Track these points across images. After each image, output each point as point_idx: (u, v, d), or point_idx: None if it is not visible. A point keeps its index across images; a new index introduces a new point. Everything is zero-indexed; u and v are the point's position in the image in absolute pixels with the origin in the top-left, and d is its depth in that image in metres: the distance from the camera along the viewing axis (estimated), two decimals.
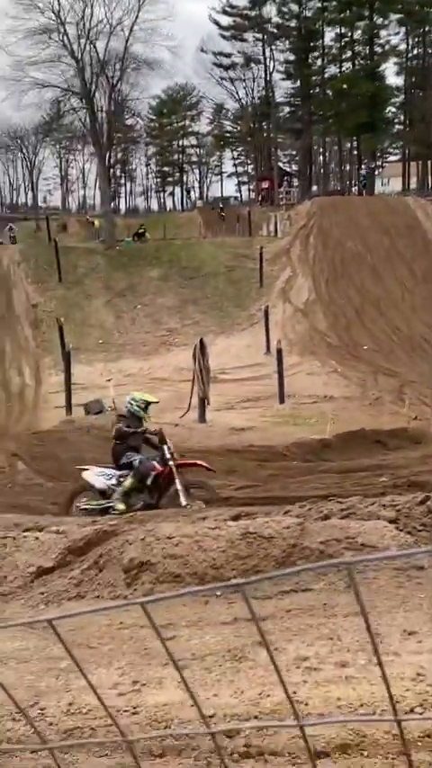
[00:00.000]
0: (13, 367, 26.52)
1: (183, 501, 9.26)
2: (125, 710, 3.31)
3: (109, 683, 3.59)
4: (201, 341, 19.36)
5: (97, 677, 3.73)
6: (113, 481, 9.78)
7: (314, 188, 60.29)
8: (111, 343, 29.11)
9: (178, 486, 9.39)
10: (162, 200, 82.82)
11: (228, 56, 63.65)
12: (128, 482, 9.65)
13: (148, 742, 2.93)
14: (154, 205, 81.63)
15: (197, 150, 78.08)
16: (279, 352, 20.75)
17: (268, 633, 3.31)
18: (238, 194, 75.20)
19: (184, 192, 77.59)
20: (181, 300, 32.07)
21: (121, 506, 9.44)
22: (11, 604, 5.35)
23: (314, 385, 22.14)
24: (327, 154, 70.54)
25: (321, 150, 69.93)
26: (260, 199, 57.45)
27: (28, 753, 2.93)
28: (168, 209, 77.18)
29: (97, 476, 9.91)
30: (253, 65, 62.73)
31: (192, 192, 76.36)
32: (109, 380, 21.61)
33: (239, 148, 75.14)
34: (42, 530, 6.75)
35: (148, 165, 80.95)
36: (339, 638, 3.74)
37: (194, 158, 79.43)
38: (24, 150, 70.48)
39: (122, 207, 78.79)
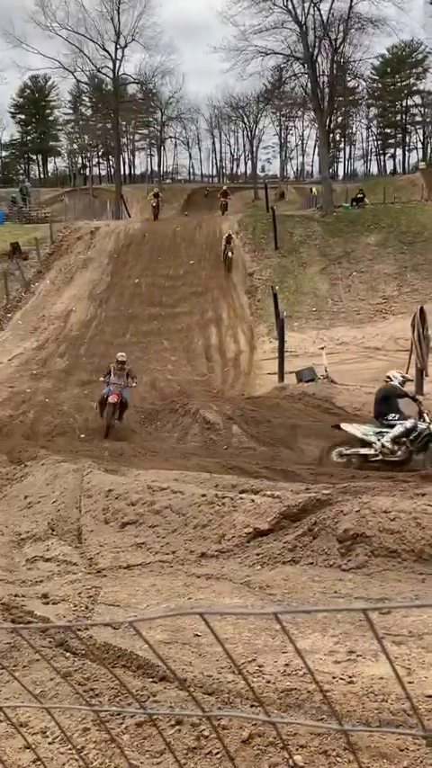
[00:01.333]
0: (230, 334, 27.35)
1: None
2: (341, 678, 3.34)
3: (325, 650, 3.64)
4: (420, 309, 18.55)
5: (312, 641, 3.79)
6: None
7: None
8: (324, 310, 28.94)
9: None
10: (382, 164, 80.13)
11: None
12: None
13: (365, 713, 2.94)
14: (374, 169, 79.27)
15: (421, 110, 74.25)
16: None
17: None
18: None
19: (406, 154, 74.36)
20: (399, 267, 30.95)
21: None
22: (229, 561, 5.59)
23: None
24: None
25: None
26: None
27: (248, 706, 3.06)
28: (389, 172, 74.54)
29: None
30: None
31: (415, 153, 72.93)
32: (322, 348, 21.53)
33: None
34: (258, 492, 6.97)
35: (368, 127, 78.60)
36: None
37: (418, 118, 75.66)
38: (245, 120, 71.54)
39: (341, 172, 77.45)
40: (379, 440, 11.46)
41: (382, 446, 11.40)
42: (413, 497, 5.51)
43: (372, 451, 11.58)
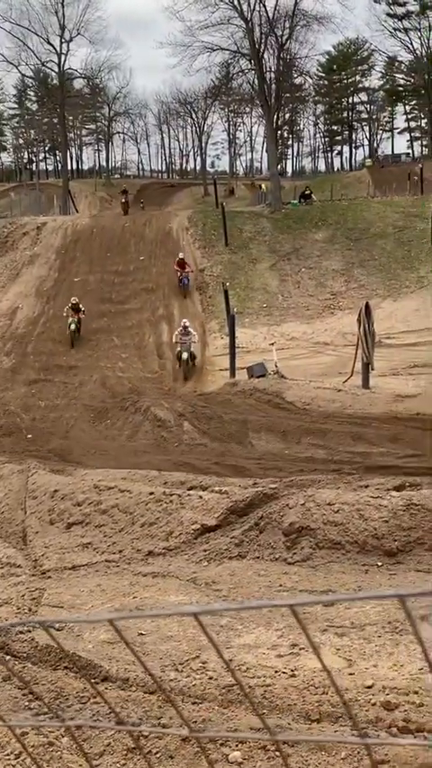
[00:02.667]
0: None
1: None
2: (283, 672, 3.35)
3: (268, 644, 3.64)
4: (366, 304, 18.82)
5: (256, 636, 3.80)
6: None
7: None
8: (275, 306, 29.14)
9: None
10: (330, 161, 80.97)
11: (402, 4, 60.25)
12: None
13: (305, 706, 2.95)
14: (321, 166, 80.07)
15: (367, 107, 75.26)
16: None
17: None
18: (410, 151, 71.82)
19: (353, 151, 75.33)
20: (347, 263, 31.36)
21: None
22: (176, 558, 5.56)
23: None
24: None
25: None
26: None
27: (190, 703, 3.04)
28: (336, 169, 75.38)
29: None
30: (429, 12, 58.92)
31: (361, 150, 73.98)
32: (272, 344, 21.66)
33: (413, 102, 71.45)
34: (207, 489, 6.96)
35: (316, 124, 79.28)
36: None
37: (364, 115, 76.68)
38: (194, 116, 71.44)
39: (289, 169, 77.99)
40: None
41: None
42: (356, 489, 5.57)
43: None
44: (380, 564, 4.88)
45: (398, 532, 4.95)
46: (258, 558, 5.32)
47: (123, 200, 42.76)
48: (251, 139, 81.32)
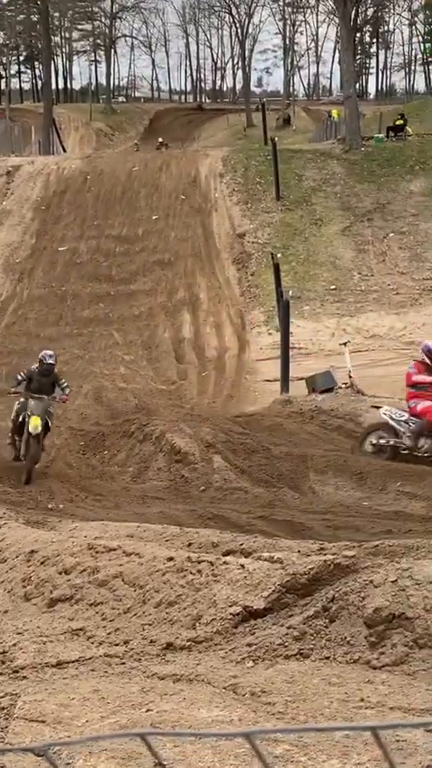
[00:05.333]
0: (210, 323, 27.41)
1: None
2: None
3: None
4: None
5: None
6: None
7: None
8: (348, 289, 29.14)
9: None
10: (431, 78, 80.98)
11: None
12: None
13: None
14: (420, 84, 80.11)
15: None
16: None
17: None
18: None
19: None
20: None
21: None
22: (207, 655, 5.59)
23: None
24: None
25: None
26: None
27: None
28: None
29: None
30: None
31: None
32: (344, 344, 21.66)
33: None
34: (250, 555, 6.97)
35: (412, 24, 79.33)
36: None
37: None
38: (234, 12, 72.00)
39: (372, 89, 78.20)
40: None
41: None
42: None
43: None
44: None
45: None
46: (329, 658, 5.31)
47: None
48: (317, 46, 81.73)
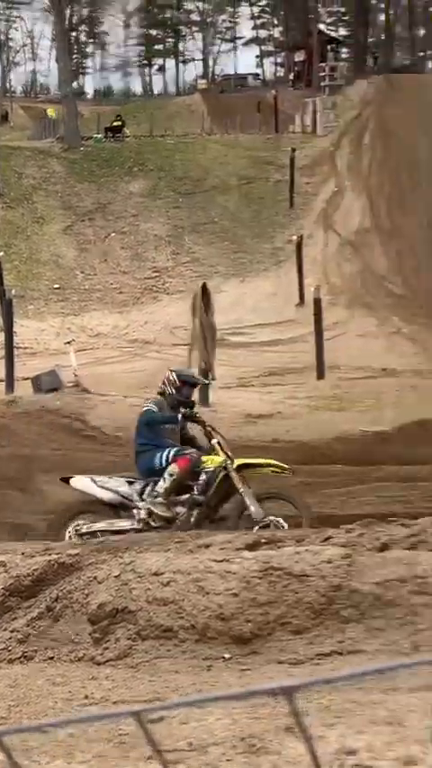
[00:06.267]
0: None
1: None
2: None
3: None
4: (203, 287, 19.29)
5: None
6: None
7: (371, 62, 59.69)
8: (72, 288, 29.12)
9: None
10: (148, 80, 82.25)
11: None
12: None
13: None
14: (136, 86, 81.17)
15: (199, 5, 77.32)
16: (317, 303, 20.67)
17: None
18: (260, 71, 74.67)
19: (180, 67, 76.98)
20: (174, 227, 31.98)
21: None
22: None
23: (368, 352, 22.10)
24: (392, 11, 69.77)
25: (384, 5, 69.16)
26: (292, 78, 56.99)
27: None
28: (157, 92, 76.65)
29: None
30: None
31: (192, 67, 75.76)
32: (69, 343, 21.60)
33: (262, 2, 74.39)
34: None
35: (127, 26, 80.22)
36: (402, 723, 3.76)
37: (195, 16, 78.70)
38: None
39: (90, 88, 78.32)
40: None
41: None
42: (194, 551, 5.68)
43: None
44: (227, 656, 5.00)
45: (251, 610, 5.09)
46: (53, 658, 5.28)
47: None
48: (33, 43, 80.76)
